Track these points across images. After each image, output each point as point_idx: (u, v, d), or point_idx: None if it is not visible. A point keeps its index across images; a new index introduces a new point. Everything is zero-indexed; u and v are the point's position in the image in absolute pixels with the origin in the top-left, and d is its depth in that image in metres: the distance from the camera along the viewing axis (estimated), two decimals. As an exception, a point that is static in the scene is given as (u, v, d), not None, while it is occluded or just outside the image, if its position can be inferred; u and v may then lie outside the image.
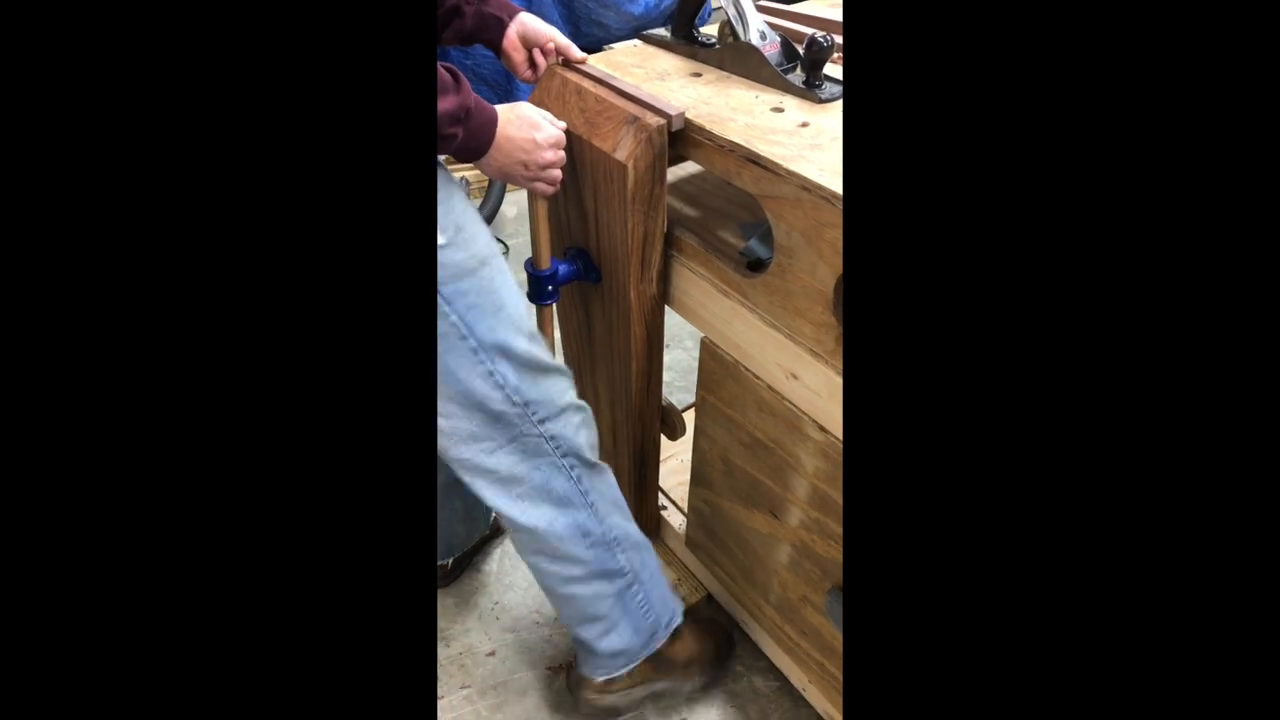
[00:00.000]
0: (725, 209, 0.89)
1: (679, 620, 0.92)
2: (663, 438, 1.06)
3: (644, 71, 0.82)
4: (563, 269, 0.86)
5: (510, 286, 0.68)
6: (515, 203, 2.09)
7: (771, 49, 0.77)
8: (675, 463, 1.24)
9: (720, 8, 0.78)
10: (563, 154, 0.71)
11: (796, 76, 0.76)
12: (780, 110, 0.72)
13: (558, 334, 0.95)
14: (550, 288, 0.84)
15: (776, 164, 0.63)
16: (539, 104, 0.82)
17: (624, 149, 0.71)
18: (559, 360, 0.76)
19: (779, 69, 0.75)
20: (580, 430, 0.76)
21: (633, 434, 1.00)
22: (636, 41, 0.91)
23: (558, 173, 0.71)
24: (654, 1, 2.02)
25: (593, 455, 0.78)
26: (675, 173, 0.95)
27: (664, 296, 0.87)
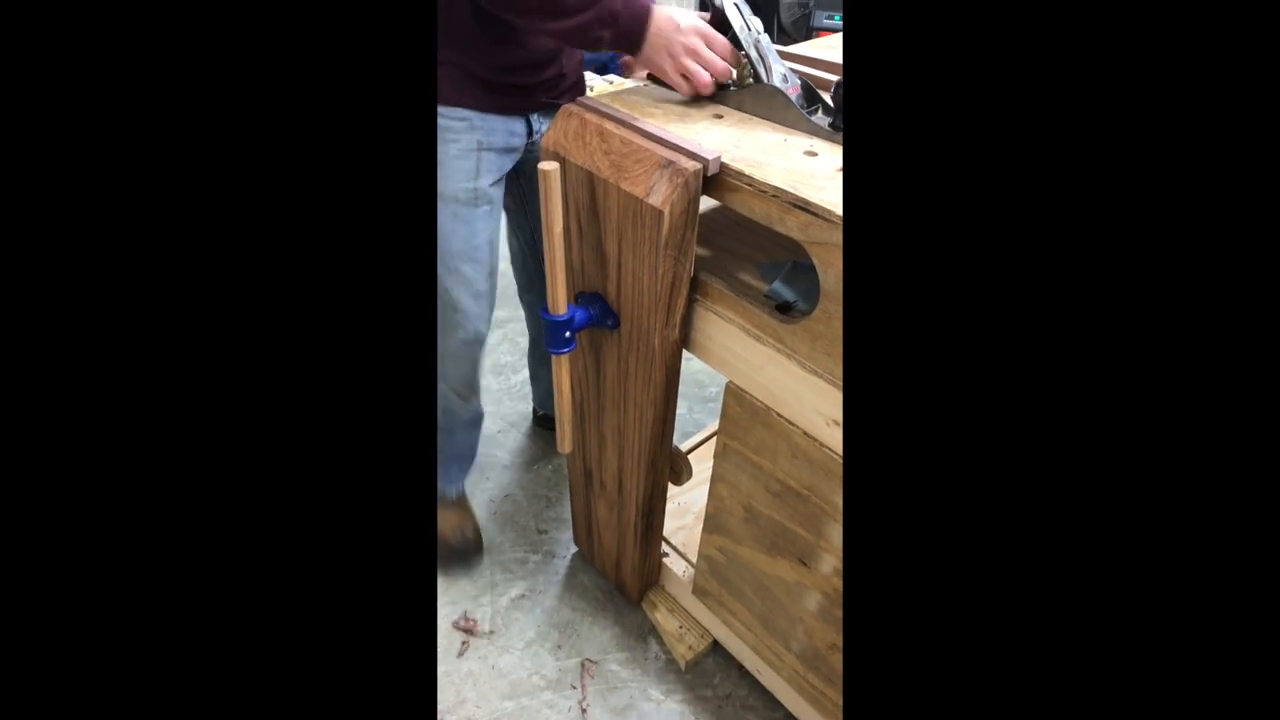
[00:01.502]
0: (738, 249, 0.88)
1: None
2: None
3: (663, 112, 0.79)
4: (580, 315, 0.82)
5: (459, 233, 0.92)
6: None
7: (794, 91, 0.77)
8: (672, 506, 1.21)
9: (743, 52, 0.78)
10: (704, 45, 0.77)
11: (820, 119, 0.76)
12: (814, 155, 0.71)
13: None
14: (568, 334, 0.80)
15: (828, 210, 0.62)
16: (555, 144, 0.78)
17: (659, 194, 0.68)
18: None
19: (805, 112, 0.75)
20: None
21: (643, 483, 0.96)
22: (646, 80, 0.89)
23: (698, 69, 0.77)
24: None
25: None
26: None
27: (685, 340, 0.84)
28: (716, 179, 0.71)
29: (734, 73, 0.80)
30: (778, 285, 0.80)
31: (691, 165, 0.68)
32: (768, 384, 0.77)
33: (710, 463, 0.90)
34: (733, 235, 0.91)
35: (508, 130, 0.93)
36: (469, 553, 1.22)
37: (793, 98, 0.76)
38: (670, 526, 1.18)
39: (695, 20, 0.77)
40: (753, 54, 0.76)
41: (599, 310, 0.83)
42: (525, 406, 1.57)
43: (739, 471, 0.86)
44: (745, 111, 0.79)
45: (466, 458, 1.22)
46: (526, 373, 1.56)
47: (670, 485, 1.04)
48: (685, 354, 0.86)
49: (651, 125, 0.75)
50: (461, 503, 1.25)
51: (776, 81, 0.76)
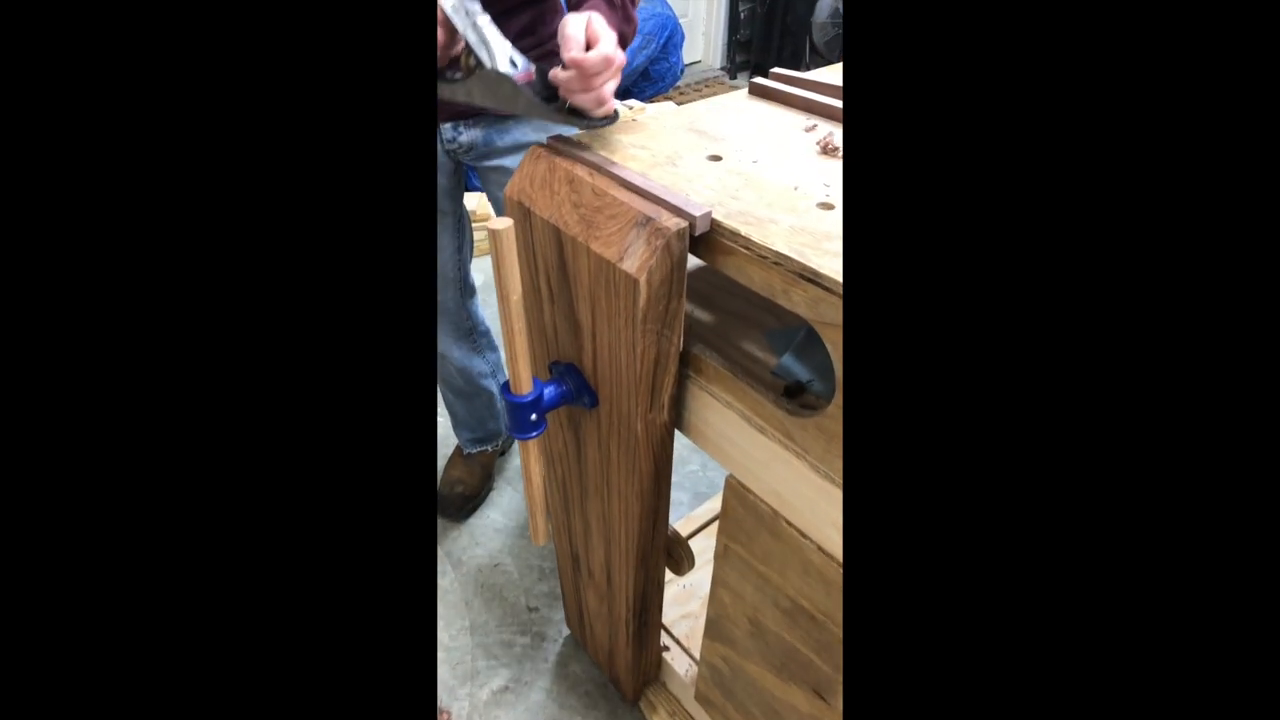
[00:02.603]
0: (745, 311, 0.74)
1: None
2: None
3: (650, 154, 0.67)
4: (549, 392, 0.69)
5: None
6: (482, 270, 1.92)
7: (525, 78, 0.66)
8: (678, 589, 1.06)
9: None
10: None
11: (560, 105, 0.66)
12: (830, 207, 0.57)
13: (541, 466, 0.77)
14: (534, 416, 0.67)
15: (841, 284, 0.48)
16: (519, 193, 0.66)
17: (634, 258, 0.55)
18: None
19: (541, 99, 0.65)
20: None
21: (633, 579, 0.82)
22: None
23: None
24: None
25: None
26: (680, 265, 0.80)
27: (676, 421, 0.71)
28: (707, 239, 0.57)
29: (456, 52, 0.70)
30: (788, 360, 0.65)
31: (674, 223, 0.55)
32: (775, 484, 0.62)
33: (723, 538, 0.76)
34: (736, 292, 0.77)
35: None
36: (451, 507, 1.34)
37: (522, 84, 0.65)
38: (672, 614, 1.04)
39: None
40: (470, 37, 0.65)
41: (574, 385, 0.70)
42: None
43: (743, 580, 0.71)
44: (475, 102, 0.69)
45: (471, 426, 1.35)
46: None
47: (672, 572, 0.90)
48: (678, 436, 0.72)
49: (630, 172, 0.62)
50: (469, 459, 1.38)
51: (501, 65, 0.65)
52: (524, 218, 0.66)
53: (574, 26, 0.61)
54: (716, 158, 0.66)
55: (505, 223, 0.54)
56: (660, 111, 0.74)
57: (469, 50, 0.66)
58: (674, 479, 1.48)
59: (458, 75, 0.69)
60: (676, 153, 0.67)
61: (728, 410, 0.64)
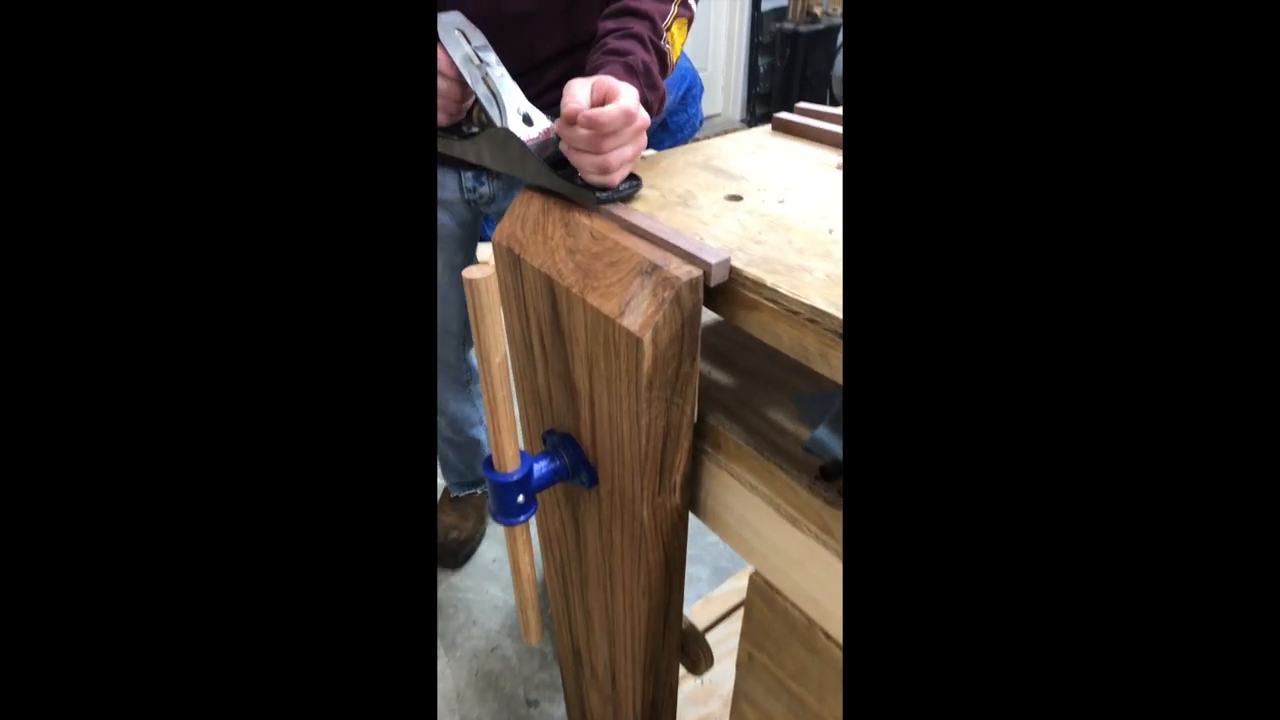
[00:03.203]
0: (769, 371, 0.64)
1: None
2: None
3: (659, 194, 0.58)
4: (540, 468, 0.59)
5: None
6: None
7: (541, 138, 0.58)
8: (695, 686, 0.93)
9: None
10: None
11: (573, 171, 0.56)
12: (873, 253, 0.47)
13: (537, 551, 0.66)
14: (520, 498, 0.57)
15: (899, 349, 0.37)
16: (508, 238, 0.57)
17: (637, 313, 0.46)
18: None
19: (549, 163, 0.56)
20: None
21: (641, 685, 0.70)
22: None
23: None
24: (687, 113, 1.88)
25: None
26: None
27: (689, 504, 0.60)
28: (725, 291, 0.48)
29: (468, 106, 0.64)
30: (823, 433, 0.55)
31: (685, 272, 0.46)
32: (809, 587, 0.51)
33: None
34: (759, 350, 0.67)
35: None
36: (447, 554, 1.28)
37: (534, 145, 0.57)
38: (689, 716, 0.91)
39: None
40: (480, 90, 0.59)
41: (570, 459, 0.60)
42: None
43: (771, 698, 0.59)
44: (484, 163, 0.62)
45: (460, 471, 1.29)
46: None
47: (687, 670, 0.78)
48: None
49: (635, 213, 0.53)
50: (459, 503, 1.32)
51: (512, 122, 0.58)
52: (514, 266, 0.57)
53: (579, 85, 0.53)
54: (736, 197, 0.57)
55: (484, 270, 0.46)
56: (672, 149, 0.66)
57: (480, 105, 0.60)
58: (691, 551, 1.35)
59: (473, 129, 0.64)
60: (690, 192, 0.58)
61: (752, 495, 0.53)
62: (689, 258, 0.47)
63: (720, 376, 0.64)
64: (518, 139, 0.56)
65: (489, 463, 0.56)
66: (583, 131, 0.50)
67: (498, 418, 0.52)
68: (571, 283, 0.50)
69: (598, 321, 0.49)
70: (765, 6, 3.36)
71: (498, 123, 0.58)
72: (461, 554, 1.29)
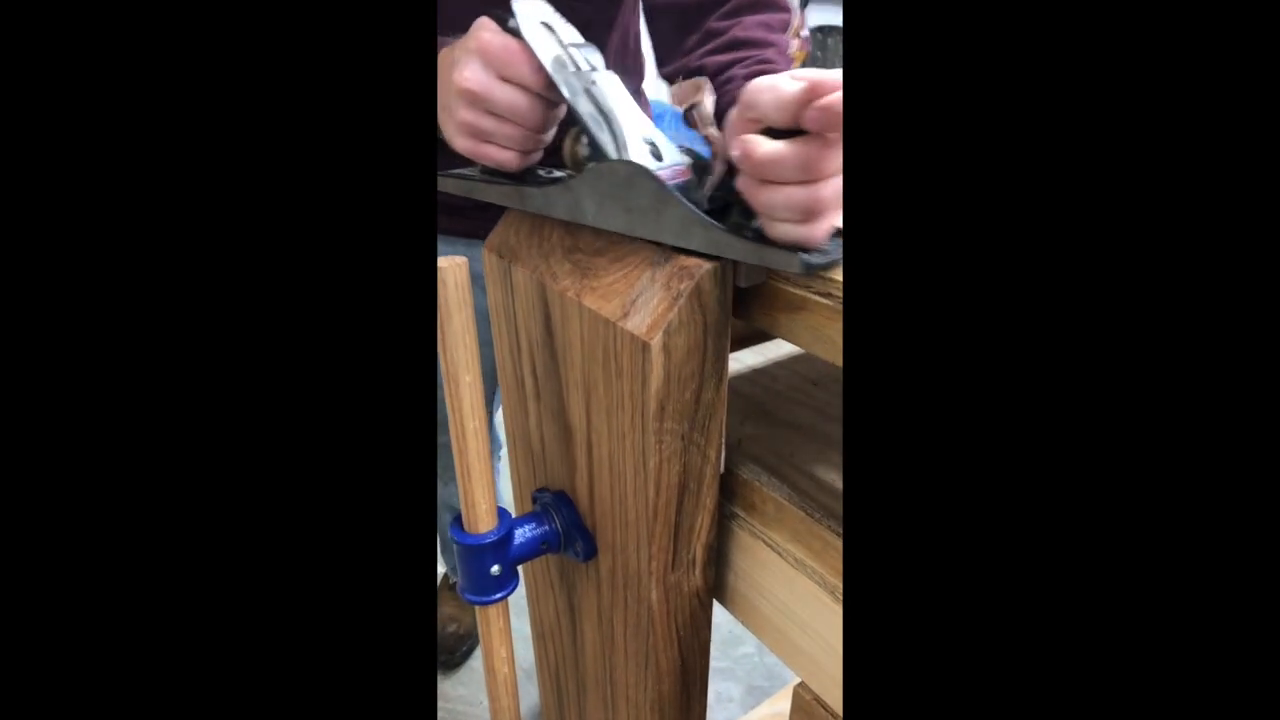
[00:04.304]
0: (817, 425, 0.51)
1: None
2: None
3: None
4: (523, 533, 0.46)
5: None
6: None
7: (679, 176, 0.37)
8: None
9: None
10: (489, 84, 0.39)
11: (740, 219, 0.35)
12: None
13: (523, 645, 0.51)
14: (496, 568, 0.44)
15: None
16: (500, 245, 0.48)
17: (644, 312, 0.35)
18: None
19: (697, 207, 0.35)
20: None
21: (649, 839, 0.53)
22: None
23: (476, 136, 0.42)
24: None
25: None
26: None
27: (715, 588, 0.46)
28: (762, 293, 0.37)
29: (551, 137, 0.43)
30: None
31: (709, 262, 0.35)
32: (879, 710, 0.36)
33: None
34: (804, 400, 0.55)
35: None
36: (444, 650, 1.14)
37: (670, 182, 0.36)
38: None
39: (484, 36, 0.38)
40: (583, 108, 0.38)
41: (563, 523, 0.47)
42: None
43: None
44: (587, 221, 0.40)
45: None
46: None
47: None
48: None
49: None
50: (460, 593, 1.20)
51: (634, 152, 0.38)
52: (504, 279, 0.47)
53: (767, 79, 0.31)
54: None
55: (450, 260, 0.36)
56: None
57: (578, 130, 0.39)
58: (720, 664, 1.14)
59: (555, 175, 0.43)
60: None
61: (797, 573, 0.40)
62: (714, 246, 0.37)
63: (751, 427, 0.51)
64: (653, 178, 0.35)
65: (458, 520, 0.44)
66: (790, 148, 0.30)
67: (468, 459, 0.40)
68: (566, 286, 0.40)
69: (595, 331, 0.38)
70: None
71: (612, 154, 0.38)
72: (459, 651, 1.14)
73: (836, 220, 0.33)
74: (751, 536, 0.43)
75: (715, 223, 0.34)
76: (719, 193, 0.36)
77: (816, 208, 0.31)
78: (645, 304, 0.35)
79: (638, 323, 0.35)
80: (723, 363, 0.38)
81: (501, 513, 0.44)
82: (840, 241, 0.34)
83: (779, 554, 0.41)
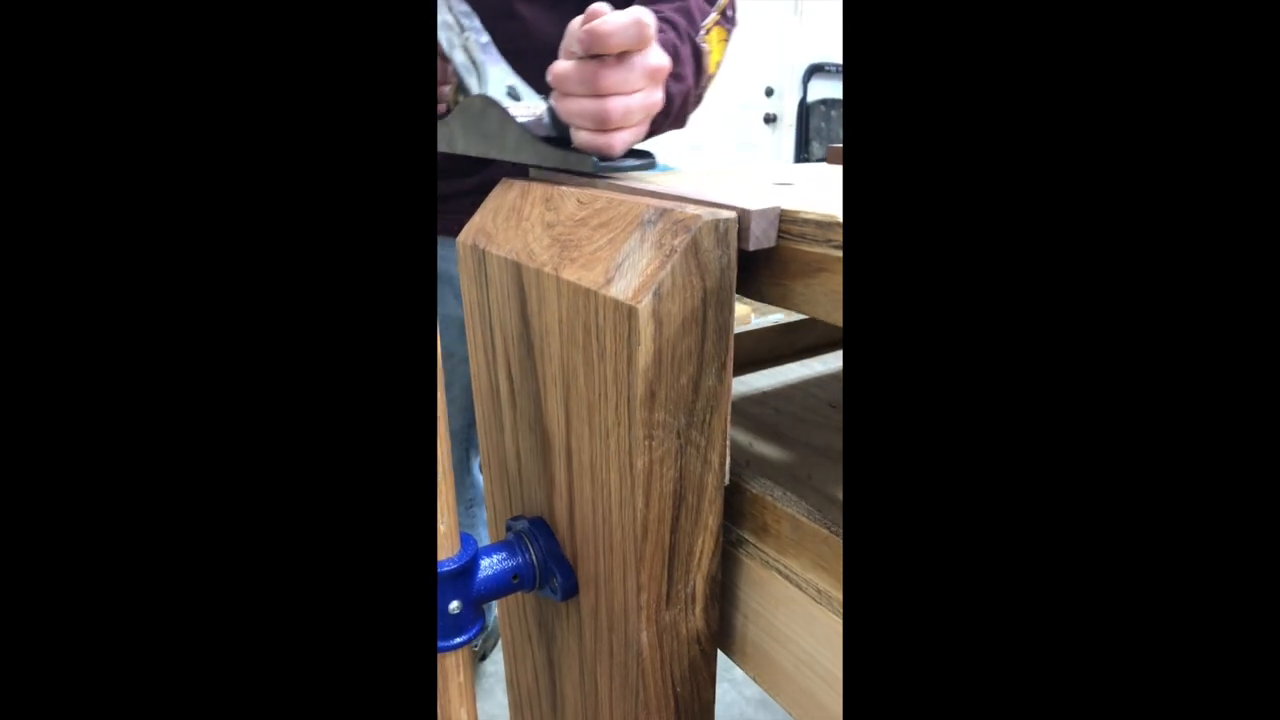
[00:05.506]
0: (835, 445, 0.44)
1: None
2: None
3: (682, 178, 0.44)
4: (490, 564, 0.39)
5: None
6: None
7: (532, 117, 0.45)
8: None
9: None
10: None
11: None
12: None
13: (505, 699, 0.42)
14: (454, 604, 0.36)
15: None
16: (477, 232, 0.43)
17: (631, 275, 0.29)
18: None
19: (546, 138, 0.43)
20: None
21: None
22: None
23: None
24: None
25: None
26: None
27: (720, 633, 0.38)
28: (772, 258, 0.31)
29: (449, 90, 0.50)
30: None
31: (708, 214, 0.30)
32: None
33: None
34: (822, 416, 0.48)
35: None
36: None
37: (524, 119, 0.44)
38: None
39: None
40: (458, 58, 0.47)
41: (538, 554, 0.40)
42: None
43: None
44: (458, 149, 0.49)
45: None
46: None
47: None
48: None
49: (649, 179, 0.39)
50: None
51: (493, 94, 0.46)
52: (479, 270, 0.42)
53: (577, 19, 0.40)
54: (786, 184, 0.42)
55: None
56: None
57: (458, 79, 0.48)
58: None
59: (440, 114, 0.52)
60: (726, 173, 0.44)
61: (820, 609, 0.32)
62: (713, 205, 0.31)
63: (762, 445, 0.44)
64: (498, 106, 0.44)
65: (409, 544, 0.36)
66: (574, 65, 0.37)
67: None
68: (544, 261, 0.34)
69: (575, 308, 0.32)
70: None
71: (472, 90, 0.47)
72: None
73: (631, 139, 0.41)
74: (763, 567, 0.35)
75: (541, 140, 0.43)
76: (556, 135, 0.43)
77: (605, 117, 0.38)
78: (632, 266, 0.30)
79: (623, 287, 0.29)
80: (726, 342, 0.31)
81: (465, 538, 0.37)
82: (645, 161, 0.42)
83: (798, 587, 0.33)
